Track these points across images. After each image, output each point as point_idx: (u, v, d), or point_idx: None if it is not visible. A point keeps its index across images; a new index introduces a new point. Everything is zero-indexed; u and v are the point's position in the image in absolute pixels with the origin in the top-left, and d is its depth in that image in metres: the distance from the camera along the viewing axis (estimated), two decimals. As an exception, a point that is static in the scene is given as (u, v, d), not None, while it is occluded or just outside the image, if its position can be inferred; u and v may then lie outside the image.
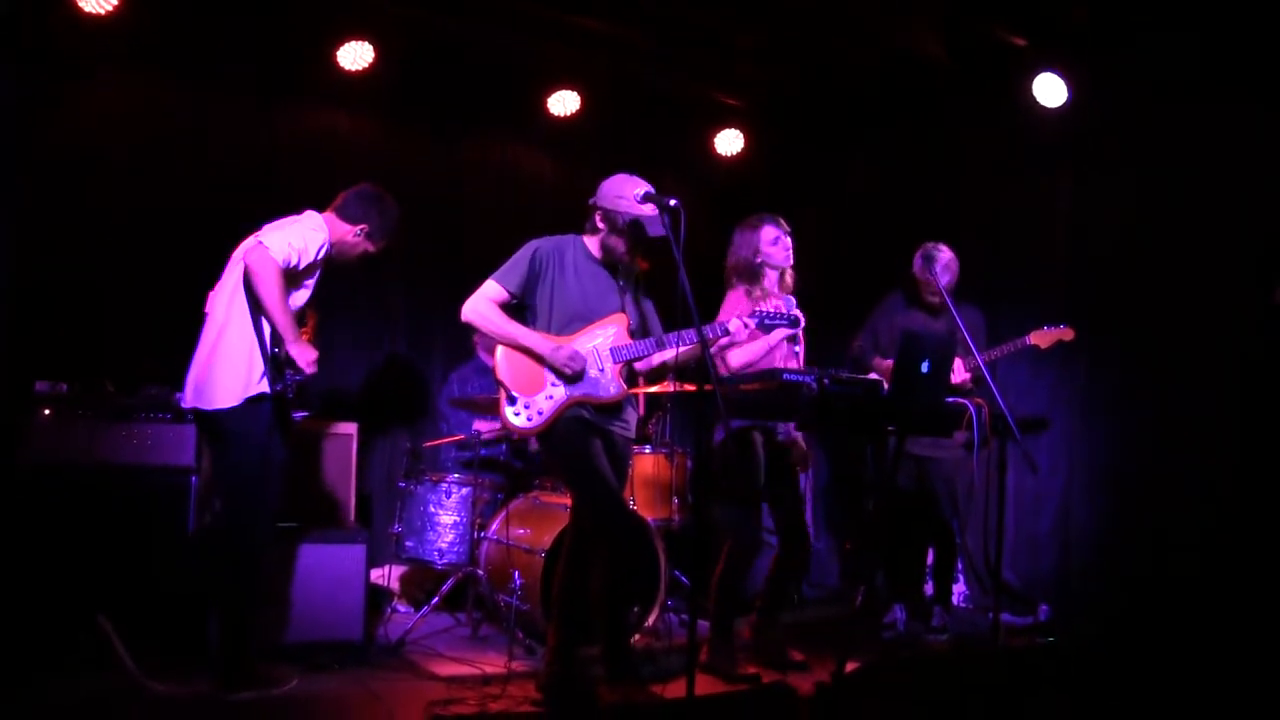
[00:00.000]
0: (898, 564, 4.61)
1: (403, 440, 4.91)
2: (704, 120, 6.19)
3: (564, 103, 5.72)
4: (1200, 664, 3.45)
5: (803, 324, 3.70)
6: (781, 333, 3.73)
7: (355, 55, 5.12)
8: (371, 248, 3.67)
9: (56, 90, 4.67)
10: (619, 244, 3.47)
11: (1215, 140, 4.38)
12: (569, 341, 3.43)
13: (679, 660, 3.67)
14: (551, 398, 3.40)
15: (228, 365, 3.35)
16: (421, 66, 5.41)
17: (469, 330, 4.24)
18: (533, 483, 4.76)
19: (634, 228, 3.40)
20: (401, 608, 4.72)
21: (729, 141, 6.22)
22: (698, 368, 3.36)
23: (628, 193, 3.38)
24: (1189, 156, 4.48)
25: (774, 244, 3.93)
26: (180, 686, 3.33)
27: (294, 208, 3.61)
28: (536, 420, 3.39)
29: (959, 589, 5.07)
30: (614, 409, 3.49)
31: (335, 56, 5.11)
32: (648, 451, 4.64)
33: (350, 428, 4.36)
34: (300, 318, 3.50)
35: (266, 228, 3.45)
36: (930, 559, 4.65)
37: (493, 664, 3.82)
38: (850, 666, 3.05)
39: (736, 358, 3.83)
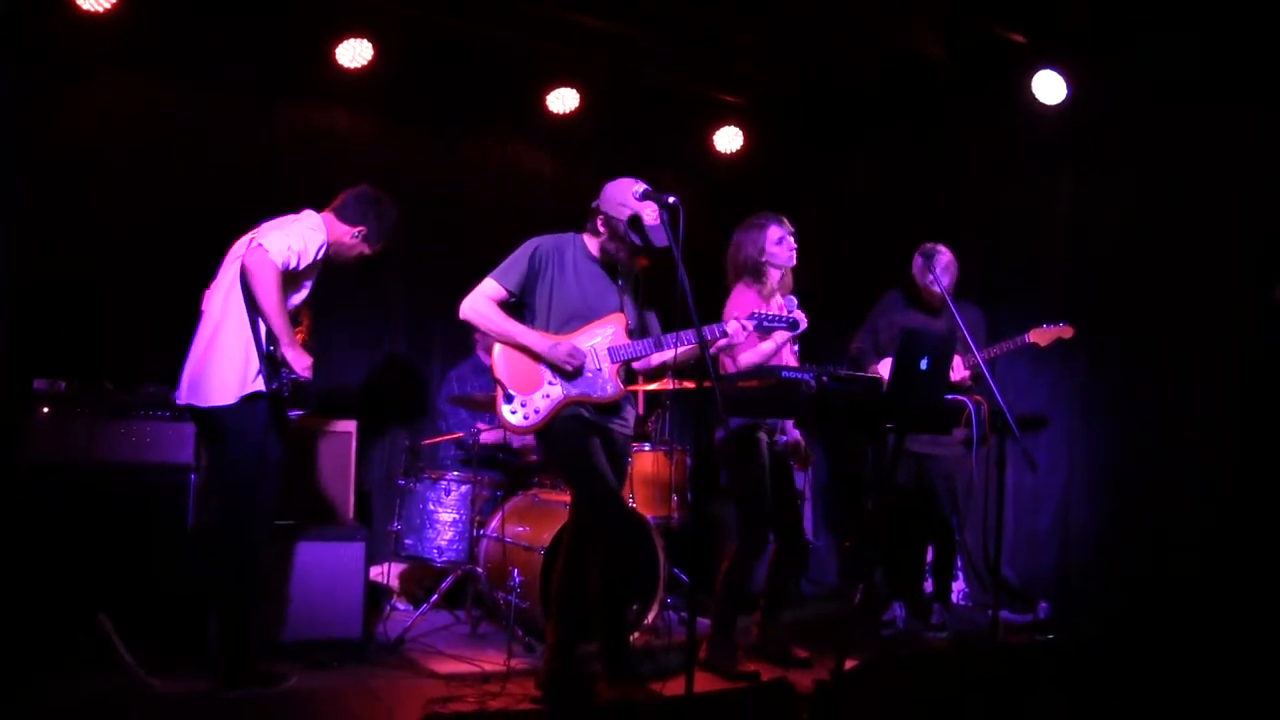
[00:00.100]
0: (897, 562, 4.61)
1: (402, 438, 4.92)
2: (703, 118, 6.19)
3: (563, 100, 5.72)
4: (1200, 662, 3.45)
5: (804, 327, 3.69)
6: (781, 335, 3.73)
7: (354, 53, 5.13)
8: (369, 250, 3.67)
9: (56, 90, 4.68)
10: (620, 250, 3.47)
11: (1215, 140, 4.38)
12: (567, 339, 3.43)
13: (678, 658, 3.66)
14: (548, 396, 3.40)
15: (223, 363, 3.35)
16: (421, 64, 5.41)
17: (468, 328, 4.24)
18: (532, 480, 4.76)
19: (637, 233, 3.39)
20: (401, 605, 4.72)
21: (728, 139, 6.22)
22: (697, 367, 3.35)
23: (630, 198, 3.37)
24: (1189, 156, 4.48)
25: (779, 243, 3.93)
26: (180, 684, 3.33)
27: (293, 207, 3.60)
28: (533, 419, 3.39)
29: (958, 586, 5.07)
30: (613, 407, 3.49)
31: (334, 54, 5.11)
32: (647, 449, 4.64)
33: (349, 425, 4.37)
34: (295, 316, 3.49)
35: (264, 226, 3.45)
36: (930, 556, 4.65)
37: (492, 661, 3.82)
38: (849, 664, 3.05)
39: (746, 360, 3.82)
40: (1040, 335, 4.29)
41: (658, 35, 5.36)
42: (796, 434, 4.09)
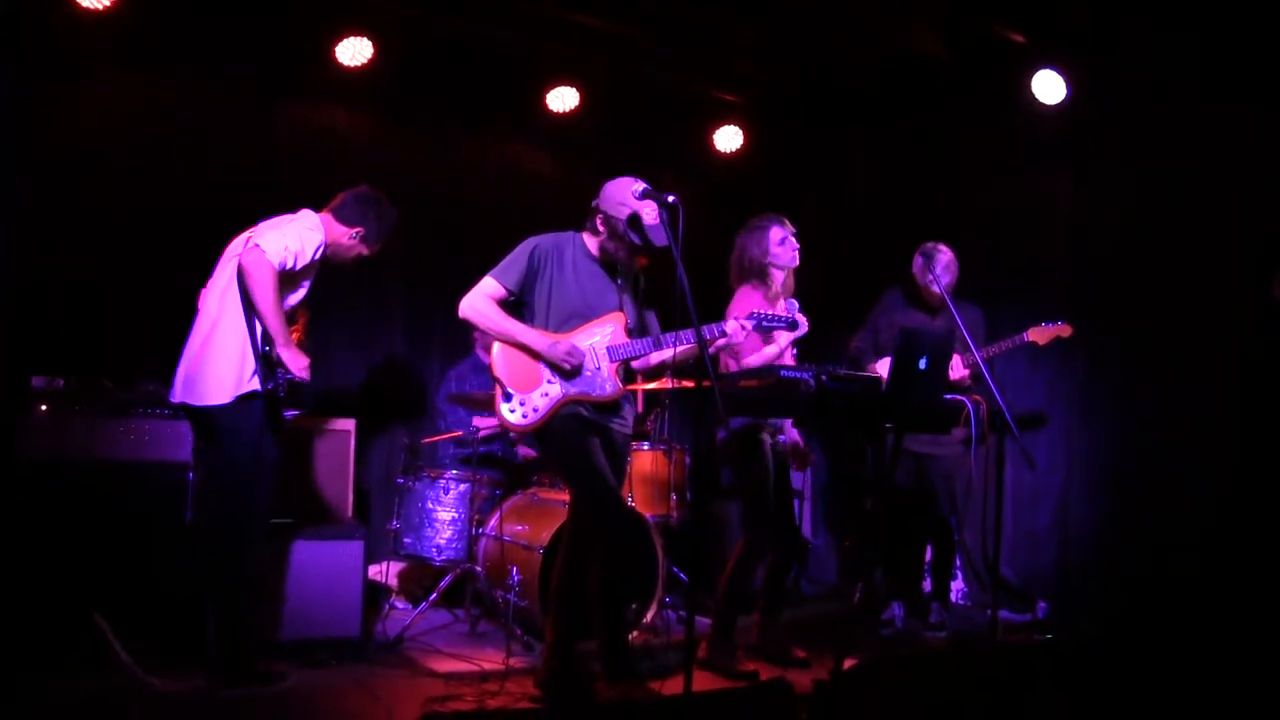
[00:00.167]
0: (896, 561, 4.61)
1: (401, 437, 4.91)
2: (703, 117, 6.20)
3: (563, 100, 5.73)
4: (1199, 662, 3.45)
5: (805, 330, 3.69)
6: (784, 336, 3.73)
7: (354, 51, 5.13)
8: (367, 250, 3.67)
9: (56, 90, 4.68)
10: (620, 250, 3.47)
11: (1215, 140, 4.38)
12: (566, 338, 3.43)
13: (677, 657, 3.67)
14: (547, 395, 3.40)
15: (219, 362, 3.35)
16: (421, 63, 5.41)
17: (467, 327, 4.25)
18: (531, 479, 4.76)
19: (636, 233, 3.39)
20: (399, 604, 4.72)
21: (728, 138, 6.22)
22: (696, 366, 3.35)
23: (629, 197, 3.37)
24: (1189, 156, 4.49)
25: (781, 244, 3.94)
26: (179, 683, 3.33)
27: (293, 206, 3.60)
28: (532, 417, 3.39)
29: (957, 586, 5.07)
30: (612, 406, 3.49)
31: (334, 53, 5.11)
32: (646, 448, 4.64)
33: (348, 424, 4.37)
34: (291, 316, 3.49)
35: (261, 226, 3.45)
36: (929, 556, 4.65)
37: (491, 660, 3.82)
38: (848, 663, 3.05)
39: (751, 363, 3.82)
40: (1039, 334, 4.29)
41: (657, 34, 5.36)
42: (795, 434, 4.09)
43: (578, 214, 3.59)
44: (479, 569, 4.35)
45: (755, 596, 4.09)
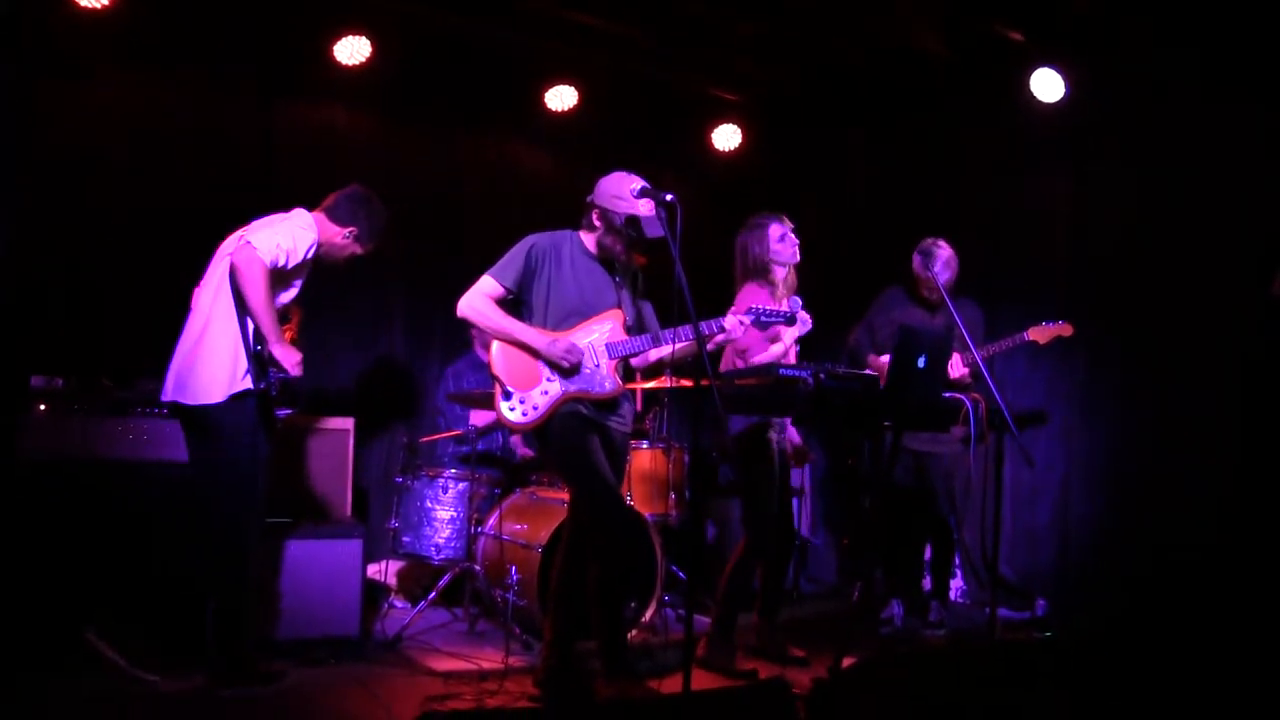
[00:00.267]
0: (895, 559, 4.61)
1: (399, 435, 4.91)
2: (703, 116, 6.20)
3: (562, 98, 5.73)
4: (1199, 660, 3.45)
5: (810, 328, 3.70)
6: (789, 331, 3.73)
7: (352, 50, 5.13)
8: (360, 250, 3.67)
9: (56, 90, 4.68)
10: (616, 244, 3.46)
11: (1215, 139, 4.38)
12: (565, 336, 3.43)
13: (676, 655, 3.66)
14: (547, 393, 3.40)
15: (212, 361, 3.34)
16: (419, 62, 5.41)
17: (466, 325, 4.25)
18: (530, 478, 4.76)
19: (631, 227, 3.40)
20: (398, 603, 4.72)
21: (727, 137, 6.22)
22: (695, 364, 3.35)
23: (625, 191, 3.37)
24: (1189, 155, 4.49)
25: (781, 241, 3.95)
26: (178, 682, 3.33)
27: (292, 205, 3.60)
28: (532, 415, 3.39)
29: (956, 584, 5.07)
30: (611, 404, 3.49)
31: (333, 52, 5.11)
32: (645, 447, 4.64)
33: (347, 423, 4.37)
34: (285, 314, 3.49)
35: (254, 224, 3.44)
36: (928, 554, 4.64)
37: (490, 659, 3.83)
38: (847, 662, 3.06)
39: (759, 361, 3.82)
40: (1040, 333, 4.29)
41: (657, 33, 5.36)
42: (794, 432, 4.09)
43: (577, 213, 3.59)
44: (478, 568, 4.35)
45: (754, 595, 4.09)
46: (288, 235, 3.39)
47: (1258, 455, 4.13)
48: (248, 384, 3.34)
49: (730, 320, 3.46)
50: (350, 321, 5.40)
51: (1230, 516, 4.17)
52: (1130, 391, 4.72)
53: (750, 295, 3.91)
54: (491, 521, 4.40)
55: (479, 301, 3.46)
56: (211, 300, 3.40)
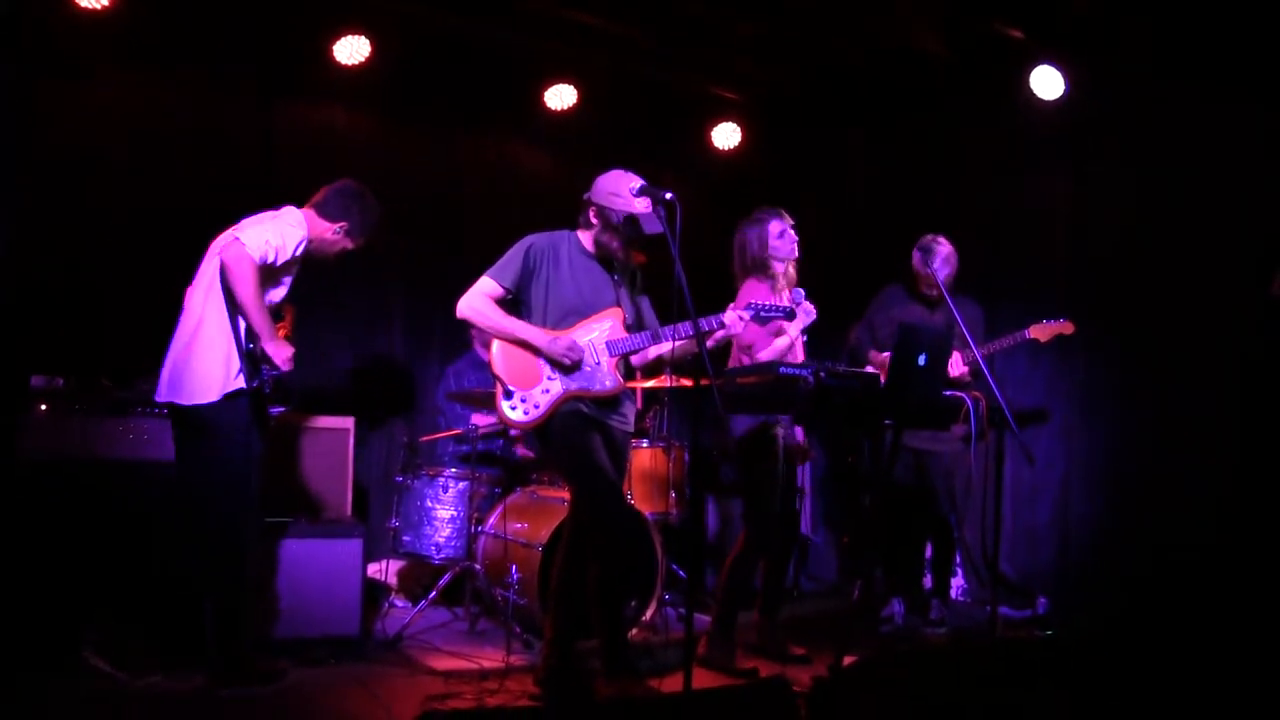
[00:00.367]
0: (896, 558, 4.61)
1: (400, 434, 4.92)
2: (703, 115, 6.20)
3: (561, 97, 5.73)
4: (1199, 658, 3.44)
5: (815, 318, 3.70)
6: (791, 326, 3.73)
7: (352, 50, 5.13)
8: (351, 245, 3.65)
9: (56, 90, 4.68)
10: (613, 241, 3.46)
11: (1215, 139, 4.38)
12: (566, 334, 3.43)
13: (676, 654, 3.66)
14: (548, 391, 3.40)
15: (205, 360, 3.34)
16: (419, 61, 5.41)
17: (465, 325, 4.25)
18: (530, 477, 4.76)
19: (629, 225, 3.39)
20: (399, 602, 4.71)
21: (726, 135, 6.22)
22: (695, 362, 3.35)
23: (623, 189, 3.37)
24: (1189, 154, 4.49)
25: (780, 237, 3.95)
26: (178, 682, 3.33)
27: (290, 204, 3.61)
28: (533, 414, 3.39)
29: (957, 583, 5.07)
30: (612, 403, 3.49)
31: (332, 52, 5.11)
32: (645, 445, 4.64)
33: (347, 422, 4.37)
34: (276, 313, 3.48)
35: (244, 222, 3.43)
36: (928, 553, 4.65)
37: (490, 658, 3.82)
38: (848, 660, 3.05)
39: (765, 358, 3.82)
40: (1040, 331, 4.29)
41: (656, 33, 5.37)
42: (798, 430, 4.09)
43: (577, 212, 3.58)
44: (478, 567, 4.35)
45: (755, 594, 4.09)
46: (276, 232, 3.38)
47: (1257, 455, 4.13)
48: (240, 383, 3.34)
49: (729, 316, 3.46)
50: (350, 321, 5.41)
51: (1230, 516, 4.17)
52: (1130, 391, 4.72)
53: (750, 291, 3.91)
54: (492, 520, 4.41)
55: (478, 302, 3.46)
56: (203, 300, 3.39)
